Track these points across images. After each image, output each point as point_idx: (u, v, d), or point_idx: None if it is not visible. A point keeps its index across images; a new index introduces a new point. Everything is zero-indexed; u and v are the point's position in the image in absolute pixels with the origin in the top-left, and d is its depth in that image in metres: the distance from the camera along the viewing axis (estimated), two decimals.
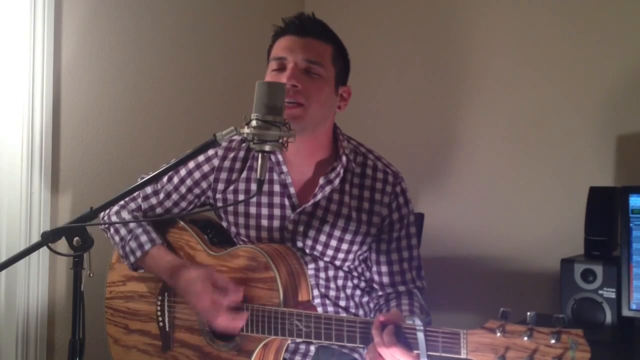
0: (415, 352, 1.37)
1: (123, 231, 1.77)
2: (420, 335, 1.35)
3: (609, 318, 1.96)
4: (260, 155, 1.40)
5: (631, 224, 1.96)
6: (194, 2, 2.58)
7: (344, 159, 1.73)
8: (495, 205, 2.54)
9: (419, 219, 2.29)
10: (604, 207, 2.07)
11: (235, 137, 1.50)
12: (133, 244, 1.73)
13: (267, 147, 1.39)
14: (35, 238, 2.00)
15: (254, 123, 1.38)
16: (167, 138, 2.46)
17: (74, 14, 2.19)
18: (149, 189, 1.80)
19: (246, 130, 1.39)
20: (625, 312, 1.96)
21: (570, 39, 2.40)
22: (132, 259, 1.73)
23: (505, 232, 2.50)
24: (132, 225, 1.76)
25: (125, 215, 1.79)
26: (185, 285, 1.63)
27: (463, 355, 1.32)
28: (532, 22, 2.48)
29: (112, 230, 1.79)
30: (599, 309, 1.98)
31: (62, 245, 1.35)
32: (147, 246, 1.72)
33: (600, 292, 1.98)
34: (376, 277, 1.79)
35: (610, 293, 1.97)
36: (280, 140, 1.40)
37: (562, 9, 2.42)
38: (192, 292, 1.61)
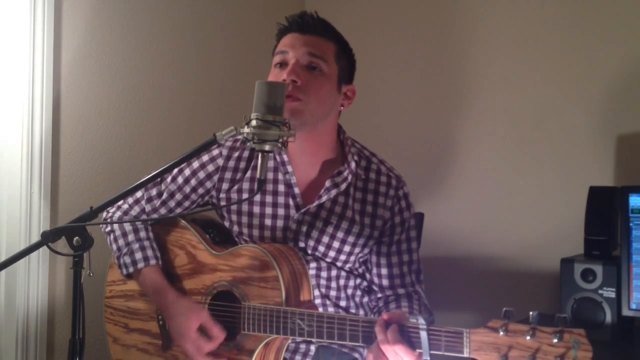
0: (418, 351, 1.37)
1: (121, 242, 1.77)
2: (423, 334, 1.36)
3: (608, 318, 1.96)
4: (260, 154, 1.40)
5: (631, 224, 1.96)
6: (194, 2, 2.58)
7: (352, 165, 1.74)
8: (495, 205, 2.54)
9: (419, 219, 2.28)
10: (603, 207, 2.07)
11: (239, 137, 1.51)
12: (127, 259, 1.74)
13: (267, 147, 1.39)
14: (35, 238, 2.00)
15: (253, 123, 1.38)
16: (167, 138, 2.46)
17: (74, 14, 2.19)
18: (153, 191, 1.80)
19: (246, 130, 1.39)
20: (625, 312, 1.96)
21: (570, 38, 2.40)
22: (124, 271, 1.75)
23: (505, 232, 2.50)
24: (131, 237, 1.76)
25: (127, 223, 1.79)
26: (171, 316, 1.67)
27: (466, 354, 1.32)
28: (531, 22, 2.48)
29: (111, 237, 1.79)
30: (598, 308, 1.98)
31: (62, 245, 1.35)
32: (140, 265, 1.73)
33: (600, 291, 1.98)
34: (376, 280, 1.79)
35: (610, 293, 1.97)
36: (280, 140, 1.40)
37: (561, 8, 2.42)
38: (176, 326, 1.65)
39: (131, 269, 1.74)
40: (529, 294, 2.42)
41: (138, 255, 1.73)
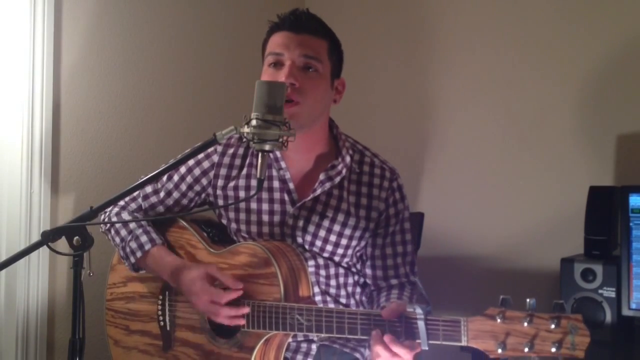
0: (417, 341, 1.38)
1: (123, 232, 1.77)
2: (421, 324, 1.36)
3: (608, 317, 1.96)
4: (260, 154, 1.40)
5: (631, 224, 1.97)
6: (194, 2, 2.58)
7: (347, 159, 1.74)
8: (495, 205, 2.54)
9: (419, 219, 2.29)
10: (603, 206, 2.07)
11: (235, 135, 1.51)
12: (133, 245, 1.74)
13: (267, 147, 1.39)
14: (35, 238, 1.99)
15: (254, 122, 1.39)
16: (167, 138, 2.46)
17: (74, 14, 2.19)
18: (149, 188, 1.81)
19: (246, 129, 1.39)
20: (625, 312, 1.96)
21: (570, 37, 2.40)
22: (132, 259, 1.74)
23: (505, 232, 2.50)
24: (132, 225, 1.76)
25: (126, 216, 1.80)
26: (186, 285, 1.65)
27: (464, 343, 1.33)
28: (530, 21, 2.48)
29: (112, 231, 1.80)
30: (599, 308, 1.98)
31: (62, 244, 1.35)
32: (148, 246, 1.73)
33: (600, 291, 1.98)
34: (369, 271, 1.79)
35: (610, 292, 1.97)
36: (280, 140, 1.40)
37: (561, 7, 2.42)
38: (192, 292, 1.63)
39: (139, 254, 1.73)
40: (528, 294, 2.40)
41: (144, 238, 1.73)
